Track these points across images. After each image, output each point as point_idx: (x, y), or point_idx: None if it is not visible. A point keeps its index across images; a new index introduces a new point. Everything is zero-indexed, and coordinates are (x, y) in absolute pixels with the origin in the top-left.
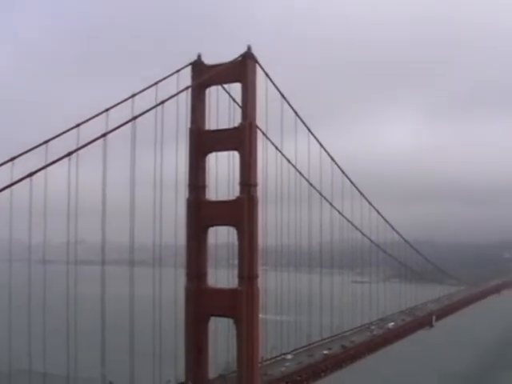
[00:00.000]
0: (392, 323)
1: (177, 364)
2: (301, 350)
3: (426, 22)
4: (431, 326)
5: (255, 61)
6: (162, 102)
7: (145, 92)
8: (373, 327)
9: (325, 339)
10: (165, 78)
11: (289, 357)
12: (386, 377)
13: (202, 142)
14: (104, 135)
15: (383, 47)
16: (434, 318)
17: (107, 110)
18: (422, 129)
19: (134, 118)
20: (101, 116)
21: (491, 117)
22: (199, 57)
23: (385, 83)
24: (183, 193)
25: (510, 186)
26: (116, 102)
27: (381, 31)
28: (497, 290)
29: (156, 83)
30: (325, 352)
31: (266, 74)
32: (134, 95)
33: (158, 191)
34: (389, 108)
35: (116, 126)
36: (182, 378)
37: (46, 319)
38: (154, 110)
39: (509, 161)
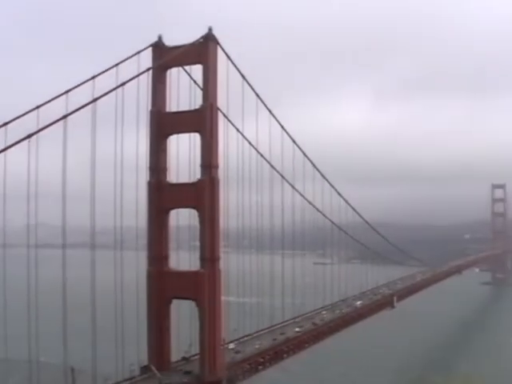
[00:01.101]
0: (359, 302)
1: (140, 347)
2: (263, 332)
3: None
4: (393, 306)
5: (216, 42)
6: (123, 84)
7: (106, 74)
8: (324, 309)
9: (286, 321)
10: (125, 60)
11: (231, 346)
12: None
13: (163, 124)
14: (64, 117)
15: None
16: (395, 298)
17: (67, 91)
18: (375, 114)
19: (95, 99)
20: (61, 98)
21: (440, 101)
22: (160, 38)
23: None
24: (144, 175)
25: (470, 169)
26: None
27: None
28: (458, 270)
29: (116, 65)
30: (297, 329)
31: (228, 56)
32: (94, 77)
33: (118, 174)
34: (340, 94)
35: (76, 108)
36: (146, 362)
37: (7, 304)
38: (114, 92)
39: (465, 143)
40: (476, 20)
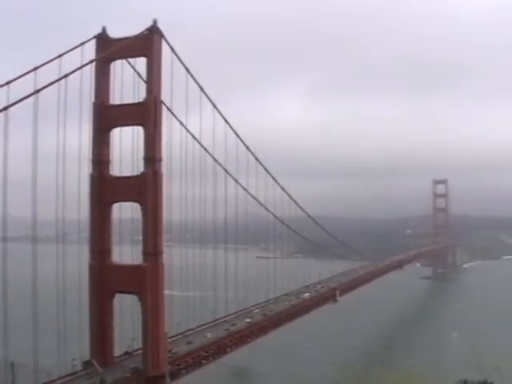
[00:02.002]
0: (307, 294)
1: (82, 342)
2: (206, 326)
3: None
4: (335, 300)
5: (161, 35)
6: (66, 76)
7: (49, 65)
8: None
9: (230, 314)
10: (68, 51)
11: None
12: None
13: (106, 117)
14: (5, 109)
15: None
16: (337, 293)
17: (8, 82)
18: (316, 110)
19: (37, 91)
20: (2, 89)
21: (380, 97)
22: (104, 30)
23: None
24: (87, 168)
25: (413, 165)
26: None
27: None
28: (399, 264)
29: (60, 56)
30: (247, 320)
31: (172, 49)
32: (36, 68)
33: (61, 166)
34: (276, 89)
35: (18, 99)
36: (88, 356)
37: None
38: (57, 84)
39: (407, 140)
40: (416, 22)
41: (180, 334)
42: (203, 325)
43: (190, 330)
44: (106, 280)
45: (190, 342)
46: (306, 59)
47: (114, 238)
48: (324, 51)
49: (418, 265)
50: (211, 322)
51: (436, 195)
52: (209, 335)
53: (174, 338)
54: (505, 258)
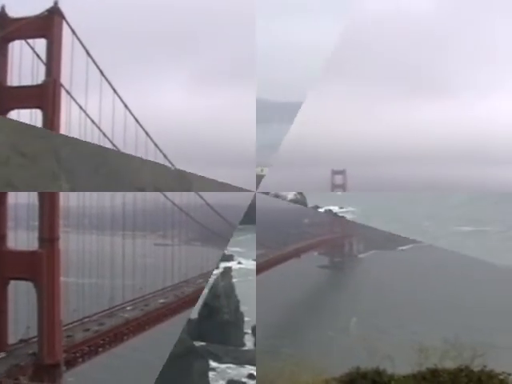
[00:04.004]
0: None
1: None
2: (104, 312)
3: None
4: None
5: (62, 16)
6: None
7: None
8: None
9: (127, 302)
10: None
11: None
12: None
13: (3, 99)
14: None
15: None
16: None
17: None
18: (208, 94)
19: None
20: None
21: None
22: (3, 8)
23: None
24: None
25: (307, 153)
26: None
27: None
28: (296, 253)
29: None
30: (161, 301)
31: (73, 31)
32: None
33: None
34: (170, 74)
35: None
36: None
37: None
38: None
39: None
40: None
41: (77, 321)
42: (95, 314)
43: (86, 317)
44: (0, 266)
45: (102, 324)
46: (202, 43)
47: (10, 224)
48: (221, 34)
49: (316, 253)
50: (106, 310)
51: (334, 186)
52: (126, 315)
53: (71, 325)
54: (399, 248)
